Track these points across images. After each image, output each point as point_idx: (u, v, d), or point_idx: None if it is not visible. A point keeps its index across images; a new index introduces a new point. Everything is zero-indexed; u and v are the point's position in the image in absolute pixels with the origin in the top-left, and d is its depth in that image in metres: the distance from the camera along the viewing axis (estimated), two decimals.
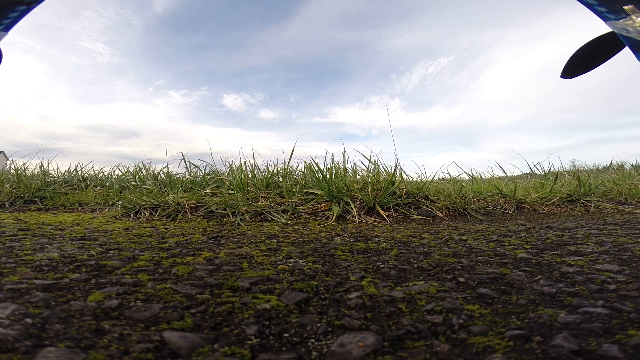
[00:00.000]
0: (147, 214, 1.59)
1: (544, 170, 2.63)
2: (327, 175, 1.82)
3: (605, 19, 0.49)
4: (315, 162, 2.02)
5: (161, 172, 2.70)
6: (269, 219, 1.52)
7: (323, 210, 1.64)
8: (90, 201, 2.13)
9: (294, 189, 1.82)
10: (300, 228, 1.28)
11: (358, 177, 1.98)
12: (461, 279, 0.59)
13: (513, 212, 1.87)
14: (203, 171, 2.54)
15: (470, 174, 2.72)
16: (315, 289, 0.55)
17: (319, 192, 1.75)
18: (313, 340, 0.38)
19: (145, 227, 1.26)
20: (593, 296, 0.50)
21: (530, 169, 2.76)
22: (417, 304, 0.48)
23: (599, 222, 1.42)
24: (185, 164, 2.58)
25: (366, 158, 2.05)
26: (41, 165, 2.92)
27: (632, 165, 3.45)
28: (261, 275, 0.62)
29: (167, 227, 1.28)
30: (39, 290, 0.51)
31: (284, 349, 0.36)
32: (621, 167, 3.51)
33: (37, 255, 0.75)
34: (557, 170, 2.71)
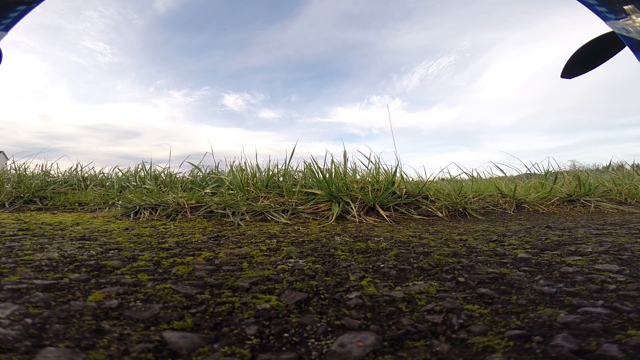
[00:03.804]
0: (147, 214, 1.59)
1: (543, 170, 2.63)
2: (327, 175, 1.82)
3: (605, 19, 0.49)
4: (315, 162, 2.02)
5: (162, 173, 2.70)
6: (269, 218, 1.52)
7: (323, 210, 1.64)
8: (90, 201, 2.13)
9: (293, 189, 1.82)
10: (300, 228, 1.28)
11: (358, 177, 1.98)
12: (461, 279, 0.59)
13: (513, 212, 1.87)
14: (203, 172, 2.54)
15: (470, 174, 2.72)
16: (315, 289, 0.55)
17: (318, 192, 1.75)
18: (313, 340, 0.38)
19: (145, 227, 1.26)
20: (593, 296, 0.50)
21: (528, 169, 2.76)
22: (417, 303, 0.48)
23: (599, 222, 1.42)
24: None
25: (366, 158, 2.05)
26: (42, 166, 2.92)
27: (631, 165, 3.45)
28: (261, 275, 0.62)
29: (167, 227, 1.28)
30: (38, 291, 0.51)
31: (284, 349, 0.36)
32: (621, 167, 3.51)
33: (37, 255, 0.75)
34: (556, 170, 2.71)
